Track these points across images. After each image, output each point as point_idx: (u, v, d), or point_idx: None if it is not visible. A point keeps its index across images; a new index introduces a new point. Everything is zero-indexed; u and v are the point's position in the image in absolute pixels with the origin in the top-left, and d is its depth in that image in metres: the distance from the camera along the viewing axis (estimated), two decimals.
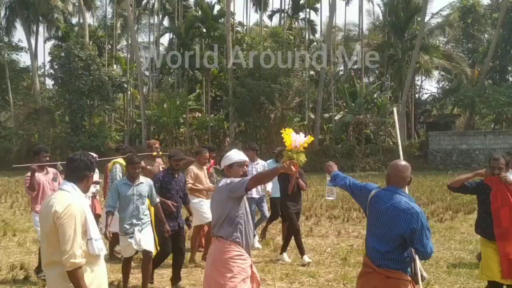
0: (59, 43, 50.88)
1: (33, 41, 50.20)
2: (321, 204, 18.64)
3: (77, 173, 4.59)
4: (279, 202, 10.95)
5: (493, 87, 40.60)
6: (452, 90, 49.00)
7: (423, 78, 55.61)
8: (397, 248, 4.80)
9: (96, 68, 39.94)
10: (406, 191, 5.03)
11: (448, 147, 37.59)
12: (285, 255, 10.38)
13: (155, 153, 10.73)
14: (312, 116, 44.32)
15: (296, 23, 57.60)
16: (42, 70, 56.24)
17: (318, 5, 55.02)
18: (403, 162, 5.06)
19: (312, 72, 47.30)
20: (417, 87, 54.10)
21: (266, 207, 11.94)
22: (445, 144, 37.77)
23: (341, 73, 55.11)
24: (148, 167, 10.33)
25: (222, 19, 45.60)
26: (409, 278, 4.90)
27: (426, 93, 56.54)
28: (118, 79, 41.69)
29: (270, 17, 58.62)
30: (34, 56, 49.47)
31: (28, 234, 13.39)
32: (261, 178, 5.83)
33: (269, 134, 39.30)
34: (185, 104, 43.76)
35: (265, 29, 53.37)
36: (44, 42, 56.49)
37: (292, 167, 5.23)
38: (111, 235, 7.73)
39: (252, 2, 55.46)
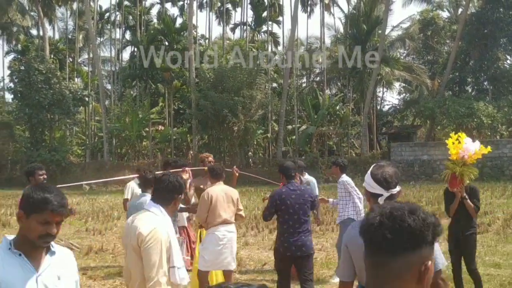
0: (19, 56, 50.10)
1: None
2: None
3: (164, 195, 4.31)
4: None
5: (452, 98, 41.11)
6: (413, 102, 49.52)
7: (385, 89, 56.25)
8: None
9: (57, 81, 39.39)
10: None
11: (409, 158, 37.77)
12: None
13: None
14: (276, 128, 44.41)
15: (258, 35, 57.86)
16: (1, 84, 55.30)
17: (280, 18, 55.41)
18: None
19: (275, 85, 47.49)
20: (379, 98, 54.65)
21: None
22: (406, 155, 37.96)
23: (304, 85, 55.44)
24: (201, 186, 8.58)
25: (185, 32, 45.50)
26: None
27: (387, 105, 57.16)
28: (79, 93, 41.21)
29: (233, 30, 58.97)
30: None
31: None
32: None
33: (233, 147, 39.24)
34: (148, 117, 43.42)
35: (228, 41, 53.46)
36: (4, 56, 55.61)
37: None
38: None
39: (215, 15, 55.62)
